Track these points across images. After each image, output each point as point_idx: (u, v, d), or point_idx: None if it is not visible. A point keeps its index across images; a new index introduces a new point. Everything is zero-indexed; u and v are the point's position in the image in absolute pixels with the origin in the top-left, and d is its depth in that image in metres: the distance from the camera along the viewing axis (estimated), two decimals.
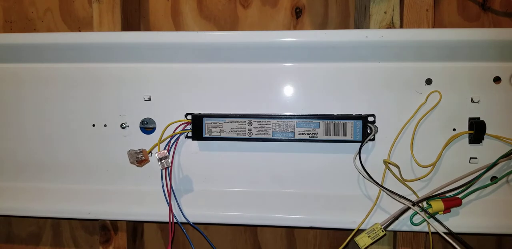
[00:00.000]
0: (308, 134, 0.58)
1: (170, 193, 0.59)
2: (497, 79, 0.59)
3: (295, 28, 0.71)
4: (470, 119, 0.59)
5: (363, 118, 0.58)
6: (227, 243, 0.74)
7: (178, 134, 0.62)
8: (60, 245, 0.77)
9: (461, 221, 0.58)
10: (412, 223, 0.57)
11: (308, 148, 0.61)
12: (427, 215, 0.55)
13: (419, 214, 0.55)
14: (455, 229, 0.55)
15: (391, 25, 0.61)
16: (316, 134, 0.58)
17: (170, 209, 0.59)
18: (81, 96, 0.65)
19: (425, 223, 0.57)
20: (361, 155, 0.59)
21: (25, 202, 0.65)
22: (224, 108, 0.62)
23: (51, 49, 0.63)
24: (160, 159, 0.57)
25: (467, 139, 0.60)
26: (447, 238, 0.52)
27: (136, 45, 0.61)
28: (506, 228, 0.58)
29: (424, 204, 0.57)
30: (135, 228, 0.71)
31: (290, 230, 0.73)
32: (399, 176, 0.58)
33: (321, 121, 0.58)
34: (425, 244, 0.61)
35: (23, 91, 0.66)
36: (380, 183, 0.58)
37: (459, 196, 0.57)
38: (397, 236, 0.61)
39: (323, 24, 0.71)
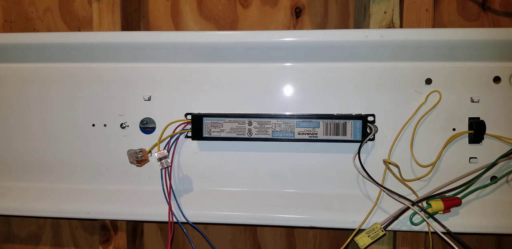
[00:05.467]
0: (308, 133, 0.58)
1: (169, 193, 0.59)
2: (497, 79, 0.59)
3: (295, 28, 0.71)
4: (469, 119, 0.59)
5: (363, 118, 0.58)
6: (227, 243, 0.74)
7: (178, 134, 0.62)
8: (60, 245, 0.77)
9: (460, 220, 0.58)
10: (412, 223, 0.57)
11: (308, 148, 0.61)
12: (426, 215, 0.55)
13: (419, 214, 0.55)
14: (454, 229, 0.55)
15: (391, 25, 0.61)
16: (316, 134, 0.58)
17: (170, 209, 0.59)
18: (81, 96, 0.65)
19: (424, 222, 0.57)
20: (361, 155, 0.59)
21: (24, 202, 0.65)
22: (223, 108, 0.62)
23: (53, 48, 0.63)
24: (160, 159, 0.57)
25: (467, 139, 0.60)
26: (445, 238, 0.52)
27: (136, 45, 0.61)
28: (505, 228, 0.58)
29: (424, 203, 0.57)
30: (135, 228, 0.71)
31: (290, 230, 0.73)
32: (399, 176, 0.58)
33: (321, 121, 0.58)
34: (425, 243, 0.61)
35: (25, 90, 0.66)
36: (380, 182, 0.58)
37: (459, 195, 0.57)
38: (396, 235, 0.61)
39: (323, 24, 0.71)
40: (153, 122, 0.64)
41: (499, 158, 0.57)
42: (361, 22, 0.65)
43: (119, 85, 0.64)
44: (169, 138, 0.61)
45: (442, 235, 0.52)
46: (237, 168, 0.63)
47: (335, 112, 0.60)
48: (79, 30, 0.74)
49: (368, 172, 0.57)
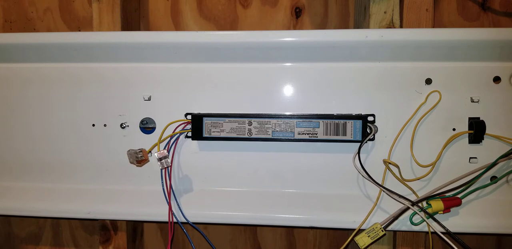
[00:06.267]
0: (308, 133, 0.58)
1: (169, 193, 0.59)
2: (496, 79, 0.59)
3: (295, 28, 0.71)
4: (469, 119, 0.59)
5: (363, 118, 0.58)
6: (227, 243, 0.74)
7: (178, 134, 0.62)
8: (60, 245, 0.77)
9: (460, 220, 0.58)
10: (412, 223, 0.57)
11: (308, 148, 0.61)
12: (426, 215, 0.55)
13: (418, 214, 0.55)
14: (454, 229, 0.55)
15: (391, 25, 0.61)
16: (316, 134, 0.58)
17: (170, 209, 0.59)
18: (81, 96, 0.65)
19: (424, 222, 0.57)
20: (361, 155, 0.59)
21: (24, 202, 0.65)
22: (223, 108, 0.62)
23: (53, 48, 0.63)
24: (160, 159, 0.57)
25: (467, 139, 0.60)
26: (445, 238, 0.52)
27: (136, 45, 0.61)
28: (506, 228, 0.58)
29: (424, 203, 0.57)
30: (135, 228, 0.71)
31: (290, 230, 0.73)
32: (399, 176, 0.58)
33: (321, 121, 0.58)
34: (425, 243, 0.61)
35: (25, 90, 0.66)
36: (380, 182, 0.58)
37: (459, 195, 0.57)
38: (396, 235, 0.61)
39: (323, 24, 0.71)
40: (153, 122, 0.64)
41: (499, 158, 0.57)
42: (361, 22, 0.65)
43: (119, 85, 0.64)
44: (169, 138, 0.61)
45: (442, 235, 0.52)
46: (237, 168, 0.63)
47: (335, 112, 0.60)
48: (79, 30, 0.74)
49: (368, 172, 0.57)
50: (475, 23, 0.68)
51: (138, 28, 0.72)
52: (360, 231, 0.57)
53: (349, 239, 0.57)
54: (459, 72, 0.59)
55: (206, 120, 0.60)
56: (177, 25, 0.73)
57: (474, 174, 0.57)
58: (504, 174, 0.58)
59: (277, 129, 0.59)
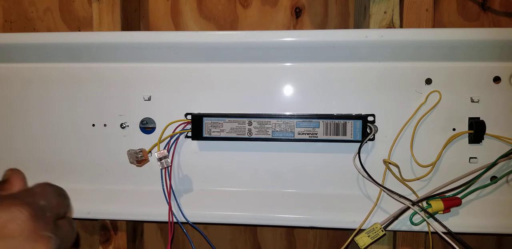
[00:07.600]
0: (308, 134, 0.58)
1: (169, 193, 0.59)
2: (497, 79, 0.59)
3: (295, 28, 0.71)
4: (470, 119, 0.59)
5: (363, 118, 0.58)
6: (227, 243, 0.74)
7: (178, 134, 0.62)
8: None
9: (460, 220, 0.58)
10: (412, 223, 0.57)
11: (308, 148, 0.61)
12: (427, 215, 0.55)
13: (419, 213, 0.55)
14: (454, 229, 0.55)
15: (391, 25, 0.61)
16: (316, 134, 0.58)
17: (170, 209, 0.59)
18: (81, 96, 0.65)
19: (424, 222, 0.57)
20: (361, 155, 0.59)
21: None
22: (224, 108, 0.62)
23: (53, 48, 0.63)
24: (160, 159, 0.57)
25: (467, 139, 0.60)
26: (446, 237, 0.52)
27: (136, 45, 0.61)
28: (506, 228, 0.58)
29: (424, 203, 0.57)
30: (135, 228, 0.71)
31: (290, 230, 0.73)
32: (399, 176, 0.58)
33: (321, 121, 0.58)
34: (425, 243, 0.61)
35: (25, 90, 0.66)
36: (380, 182, 0.58)
37: (459, 195, 0.57)
38: (397, 235, 0.61)
39: (323, 24, 0.71)
40: (153, 122, 0.64)
41: (499, 158, 0.57)
42: (361, 22, 0.65)
43: (119, 85, 0.64)
44: (169, 138, 0.61)
45: (443, 235, 0.52)
46: (237, 168, 0.63)
47: (335, 112, 0.60)
48: (79, 30, 0.74)
49: (368, 172, 0.57)
50: (475, 23, 0.68)
51: (138, 28, 0.72)
52: (360, 231, 0.57)
53: (349, 239, 0.57)
54: (459, 72, 0.59)
55: (206, 120, 0.60)
56: (177, 25, 0.73)
57: (474, 174, 0.57)
58: (504, 174, 0.58)
59: (277, 129, 0.59)
